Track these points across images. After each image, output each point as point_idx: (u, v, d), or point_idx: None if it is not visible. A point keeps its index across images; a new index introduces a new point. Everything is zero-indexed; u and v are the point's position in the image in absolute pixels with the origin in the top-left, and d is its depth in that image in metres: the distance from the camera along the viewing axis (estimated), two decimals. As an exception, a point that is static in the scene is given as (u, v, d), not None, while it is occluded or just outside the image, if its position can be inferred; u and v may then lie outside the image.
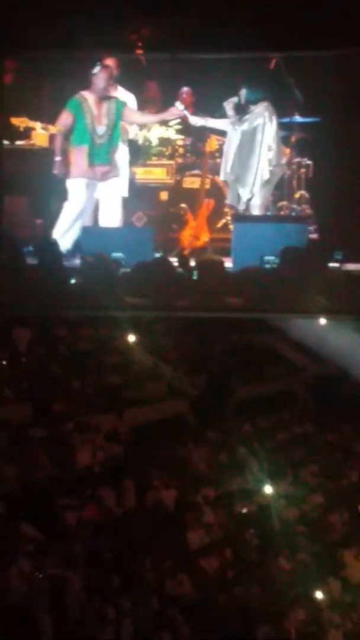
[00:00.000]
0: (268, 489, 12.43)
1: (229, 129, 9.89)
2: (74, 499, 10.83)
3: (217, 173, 10.30)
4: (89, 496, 11.05)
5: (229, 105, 9.81)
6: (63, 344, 13.35)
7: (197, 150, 10.56)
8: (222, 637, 10.16)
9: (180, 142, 10.63)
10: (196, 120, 10.04)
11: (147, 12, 9.21)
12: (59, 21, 8.99)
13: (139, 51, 9.67)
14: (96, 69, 9.26)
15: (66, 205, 9.42)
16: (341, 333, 13.06)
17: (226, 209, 10.38)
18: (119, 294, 8.47)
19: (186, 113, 9.84)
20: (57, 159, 9.36)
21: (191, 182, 10.55)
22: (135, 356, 13.85)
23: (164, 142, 10.52)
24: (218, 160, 10.27)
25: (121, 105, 9.41)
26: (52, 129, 10.06)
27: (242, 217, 9.81)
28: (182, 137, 10.58)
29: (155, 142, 10.46)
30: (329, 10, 8.70)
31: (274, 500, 12.31)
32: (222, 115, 9.93)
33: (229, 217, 10.30)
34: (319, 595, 11.41)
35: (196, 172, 10.54)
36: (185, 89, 10.49)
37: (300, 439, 14.42)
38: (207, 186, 10.38)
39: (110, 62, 9.58)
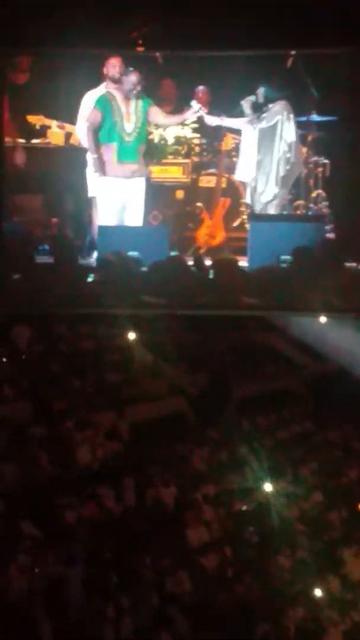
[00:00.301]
0: (268, 487, 12.45)
1: (246, 128, 9.83)
2: (74, 498, 10.85)
3: (234, 172, 10.26)
4: (89, 494, 11.07)
5: (246, 104, 9.73)
6: (68, 342, 13.41)
7: (213, 148, 10.50)
8: (222, 634, 10.17)
9: (196, 141, 10.56)
10: (212, 120, 9.99)
11: (161, 9, 9.19)
12: (71, 17, 8.97)
13: (153, 49, 9.62)
14: (129, 69, 9.15)
15: (103, 207, 9.33)
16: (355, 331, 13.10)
17: (242, 208, 10.33)
18: (137, 292, 8.43)
19: (202, 112, 9.75)
20: (94, 156, 9.22)
21: (207, 180, 10.49)
22: (137, 354, 13.87)
23: (180, 140, 10.46)
24: (234, 158, 10.22)
25: (148, 104, 9.30)
26: (69, 127, 10.05)
27: (258, 216, 9.72)
28: (198, 135, 10.53)
29: (171, 140, 10.41)
30: (347, 7, 8.67)
31: (274, 498, 12.32)
32: (238, 113, 9.88)
33: (245, 216, 10.25)
34: (318, 593, 11.42)
35: (212, 170, 10.48)
36: (201, 87, 10.43)
37: (300, 437, 14.44)
38: (223, 185, 10.33)
39: (115, 61, 9.50)
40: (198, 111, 9.57)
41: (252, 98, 9.73)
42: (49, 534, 10.13)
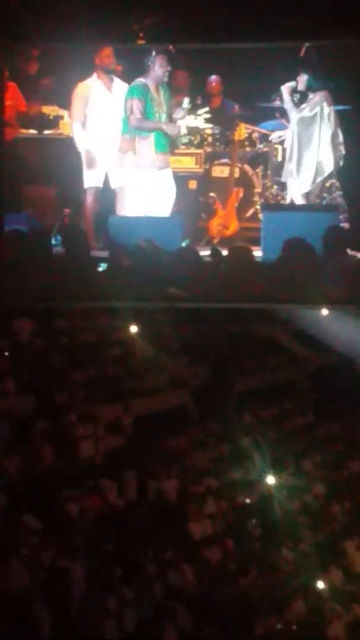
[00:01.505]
0: (270, 480, 12.47)
1: (289, 133, 9.67)
2: (76, 490, 10.85)
3: (247, 162, 10.20)
4: (91, 487, 11.08)
5: (286, 90, 9.52)
6: (69, 335, 13.41)
7: (226, 138, 10.45)
8: (225, 627, 10.18)
9: (209, 131, 10.51)
10: (277, 135, 9.96)
11: (169, 1, 9.12)
12: (81, 9, 8.91)
13: (167, 41, 9.52)
14: (152, 55, 8.93)
15: (133, 197, 9.19)
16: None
17: (255, 198, 10.28)
18: (163, 282, 8.30)
19: (188, 107, 9.61)
20: (162, 127, 9.03)
21: (220, 170, 10.39)
22: (140, 347, 13.87)
23: (193, 130, 10.41)
24: (247, 148, 10.18)
25: (169, 97, 9.22)
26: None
27: (272, 206, 9.66)
28: (211, 125, 10.48)
29: (183, 130, 10.34)
30: None
31: (276, 491, 12.34)
32: (274, 104, 9.77)
33: (258, 206, 10.22)
34: (321, 585, 11.44)
35: (225, 160, 10.43)
36: (213, 77, 10.38)
37: (302, 429, 14.46)
38: (236, 175, 10.29)
39: (109, 51, 9.42)
40: (187, 107, 9.42)
41: (292, 84, 9.58)
42: (51, 527, 10.12)
